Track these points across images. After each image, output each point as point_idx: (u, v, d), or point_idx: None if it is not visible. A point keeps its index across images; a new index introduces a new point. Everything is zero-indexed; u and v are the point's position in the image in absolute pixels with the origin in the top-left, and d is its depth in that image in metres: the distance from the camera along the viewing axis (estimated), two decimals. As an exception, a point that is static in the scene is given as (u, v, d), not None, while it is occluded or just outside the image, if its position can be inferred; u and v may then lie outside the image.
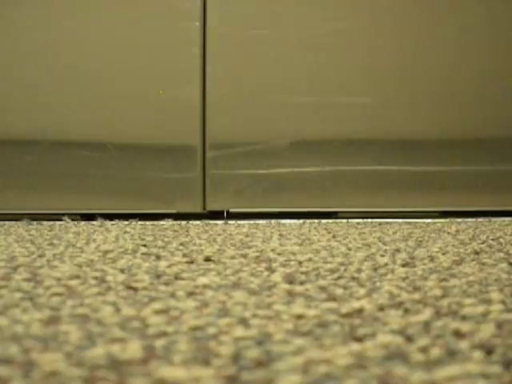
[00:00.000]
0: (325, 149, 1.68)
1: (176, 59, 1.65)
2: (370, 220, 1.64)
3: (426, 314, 0.54)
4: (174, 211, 1.65)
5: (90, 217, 1.60)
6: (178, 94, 1.65)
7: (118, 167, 1.65)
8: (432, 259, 0.89)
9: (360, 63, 1.68)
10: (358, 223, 1.55)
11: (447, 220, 1.65)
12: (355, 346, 0.43)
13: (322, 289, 0.66)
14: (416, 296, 0.61)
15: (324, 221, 1.63)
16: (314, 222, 1.57)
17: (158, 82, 1.65)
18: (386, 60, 1.68)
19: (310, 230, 1.36)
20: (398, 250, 1.00)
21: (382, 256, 0.93)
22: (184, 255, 0.94)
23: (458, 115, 1.70)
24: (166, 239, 1.18)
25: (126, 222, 1.52)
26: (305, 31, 1.67)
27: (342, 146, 1.68)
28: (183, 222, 1.55)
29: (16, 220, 1.55)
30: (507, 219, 1.65)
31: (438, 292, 0.63)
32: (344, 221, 1.64)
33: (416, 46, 1.70)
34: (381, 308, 0.56)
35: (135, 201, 1.65)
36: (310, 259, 0.89)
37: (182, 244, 1.09)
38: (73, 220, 1.54)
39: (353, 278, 0.73)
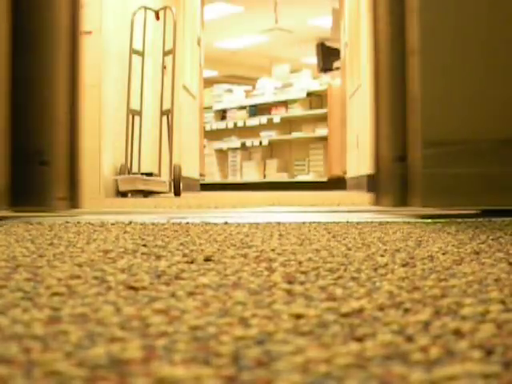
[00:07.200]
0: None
1: None
2: (369, 220, 1.64)
3: (426, 313, 0.54)
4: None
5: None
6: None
7: None
8: (432, 259, 0.89)
9: None
10: (357, 223, 1.55)
11: (447, 220, 1.65)
12: (355, 346, 0.43)
13: (322, 289, 0.66)
14: (416, 296, 0.62)
15: (324, 221, 1.63)
16: (313, 222, 1.57)
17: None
18: None
19: (309, 230, 1.36)
20: (397, 250, 1.00)
21: (382, 256, 0.93)
22: (184, 255, 0.94)
23: None
24: (166, 239, 1.18)
25: (126, 222, 1.52)
26: None
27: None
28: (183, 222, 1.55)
29: (16, 220, 1.55)
30: (507, 219, 1.65)
31: (437, 292, 0.63)
32: (344, 221, 1.64)
33: None
34: (381, 308, 0.56)
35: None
36: (309, 259, 0.89)
37: (182, 244, 1.09)
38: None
39: (353, 278, 0.73)
